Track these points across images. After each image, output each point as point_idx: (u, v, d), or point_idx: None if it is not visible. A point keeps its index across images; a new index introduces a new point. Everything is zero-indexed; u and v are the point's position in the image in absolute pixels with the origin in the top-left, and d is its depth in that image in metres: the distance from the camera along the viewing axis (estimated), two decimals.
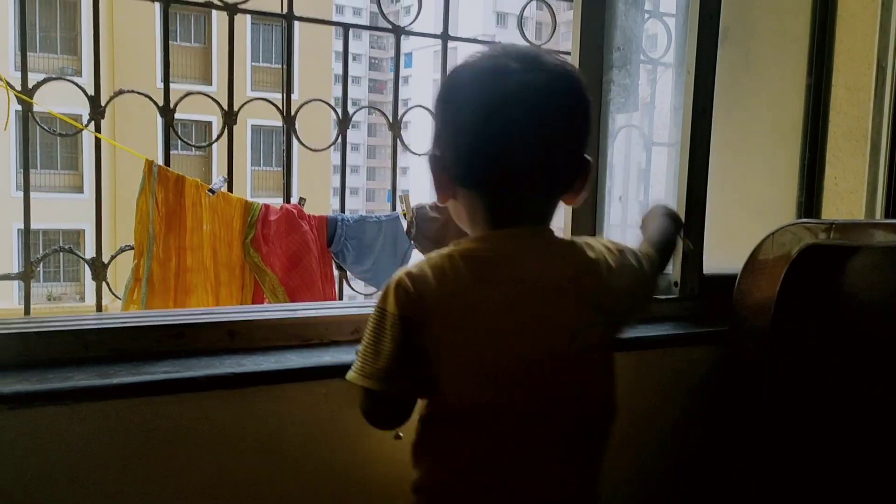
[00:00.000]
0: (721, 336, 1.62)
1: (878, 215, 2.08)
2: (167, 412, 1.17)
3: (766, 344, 1.40)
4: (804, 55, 2.16)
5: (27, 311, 1.82)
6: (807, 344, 1.38)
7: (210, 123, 16.54)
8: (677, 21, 2.09)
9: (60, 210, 14.32)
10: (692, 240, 1.82)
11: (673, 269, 1.84)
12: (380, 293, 1.02)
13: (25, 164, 1.83)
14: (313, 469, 1.29)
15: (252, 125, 15.92)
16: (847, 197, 2.14)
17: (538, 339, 0.99)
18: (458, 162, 1.03)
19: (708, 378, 1.63)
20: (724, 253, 2.06)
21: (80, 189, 14.65)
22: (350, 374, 1.01)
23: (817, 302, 1.40)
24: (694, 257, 1.83)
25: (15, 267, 15.31)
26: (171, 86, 2.04)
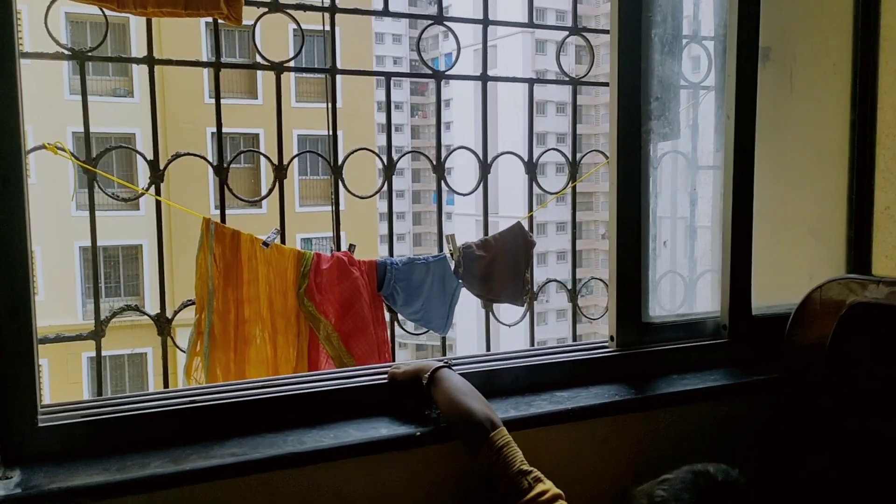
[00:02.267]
0: (770, 385, 1.62)
1: None
2: (236, 493, 1.24)
3: (816, 398, 1.40)
4: (848, 78, 2.13)
5: (100, 389, 1.92)
6: (858, 397, 1.38)
7: (258, 135, 16.88)
8: (716, 45, 2.09)
9: (118, 226, 14.81)
10: (740, 265, 1.82)
11: (721, 311, 1.85)
12: None
13: (93, 237, 1.94)
14: None
15: (298, 135, 16.20)
16: None
17: None
18: None
19: (756, 426, 1.64)
20: (775, 282, 2.05)
21: (136, 207, 15.15)
22: None
23: (869, 354, 1.40)
24: (742, 297, 1.84)
25: (78, 282, 15.87)
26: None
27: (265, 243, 2.19)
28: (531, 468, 1.32)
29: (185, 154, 2.12)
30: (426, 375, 1.44)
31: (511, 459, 1.31)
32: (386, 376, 1.52)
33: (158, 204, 2.09)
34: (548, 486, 1.30)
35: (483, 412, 1.36)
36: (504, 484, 1.30)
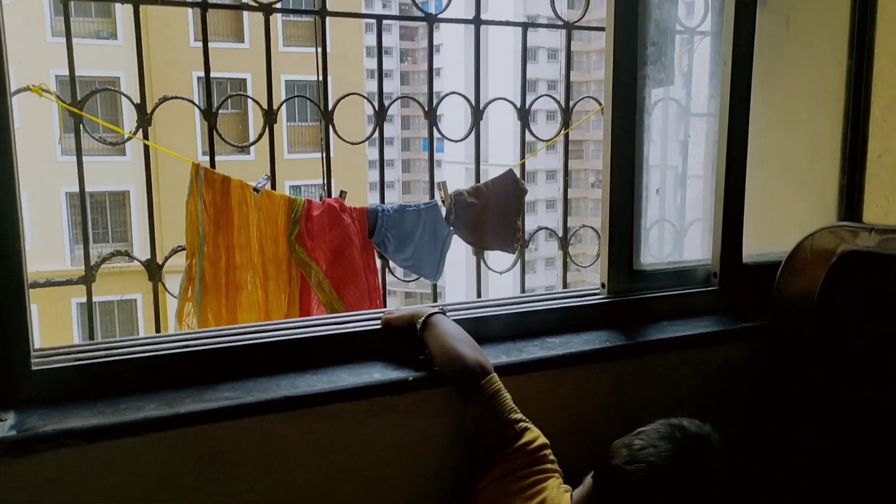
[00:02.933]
0: (761, 331, 1.64)
1: None
2: (230, 436, 1.26)
3: (805, 347, 1.42)
4: (846, 23, 2.10)
5: (91, 335, 1.91)
6: (847, 345, 1.40)
7: (245, 80, 16.58)
8: None
9: (104, 172, 14.64)
10: (732, 214, 1.82)
11: (712, 259, 1.86)
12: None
13: (80, 180, 1.91)
14: (366, 479, 1.38)
15: (286, 80, 15.92)
16: (891, 170, 2.11)
17: None
18: None
19: (747, 372, 1.66)
20: (766, 231, 2.06)
21: (122, 152, 14.95)
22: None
23: (859, 303, 1.42)
24: (733, 245, 1.85)
25: (65, 228, 15.74)
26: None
27: (256, 189, 2.17)
28: (520, 416, 1.33)
29: (172, 97, 2.08)
30: (420, 321, 1.44)
31: (500, 407, 1.33)
32: (379, 322, 1.53)
33: (146, 149, 2.06)
34: (534, 436, 1.32)
35: (474, 358, 1.37)
36: (492, 432, 1.32)
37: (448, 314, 1.52)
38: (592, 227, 2.40)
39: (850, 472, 1.36)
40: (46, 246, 14.90)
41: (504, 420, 1.32)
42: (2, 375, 1.23)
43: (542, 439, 1.32)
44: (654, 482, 1.16)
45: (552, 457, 1.32)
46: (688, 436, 1.18)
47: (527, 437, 1.31)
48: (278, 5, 2.12)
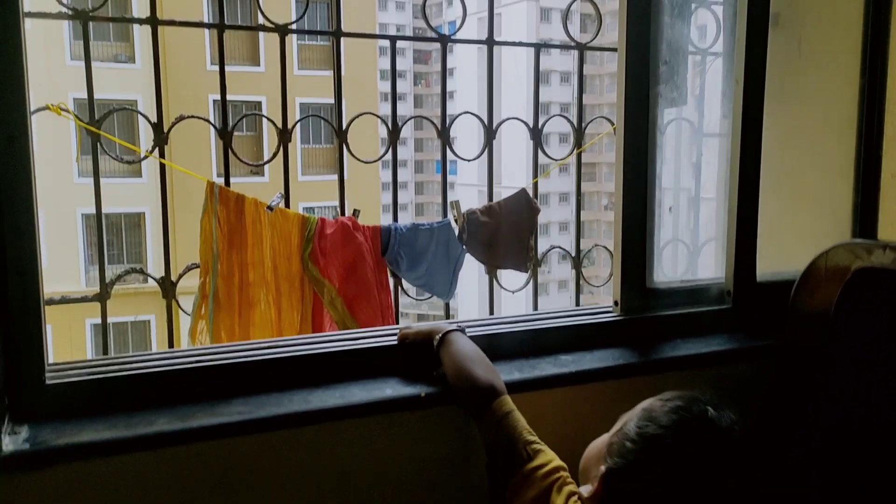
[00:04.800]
0: (774, 349, 1.63)
1: None
2: (242, 451, 1.26)
3: (820, 363, 1.41)
4: (858, 44, 2.10)
5: (105, 349, 1.92)
6: (862, 364, 1.38)
7: (260, 103, 16.78)
8: (725, 10, 2.06)
9: (120, 194, 14.83)
10: (745, 232, 1.82)
11: (725, 278, 1.85)
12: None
13: (97, 198, 1.94)
14: (379, 496, 1.37)
15: (301, 103, 16.11)
16: None
17: None
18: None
19: (759, 389, 1.64)
20: (780, 249, 2.05)
21: (138, 174, 15.15)
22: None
23: (874, 319, 1.41)
24: (747, 264, 1.84)
25: (81, 249, 15.88)
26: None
27: (269, 207, 2.19)
28: (533, 438, 1.30)
29: (189, 117, 2.11)
30: (438, 337, 1.44)
31: (512, 429, 1.30)
32: (394, 338, 1.53)
33: (162, 168, 2.08)
34: (548, 459, 1.27)
35: (486, 379, 1.35)
36: (503, 453, 1.28)
37: (467, 332, 1.51)
38: (605, 247, 2.40)
39: (864, 490, 1.34)
40: (62, 267, 15.04)
41: (516, 441, 1.29)
42: (17, 389, 1.24)
43: (557, 461, 1.28)
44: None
45: (570, 479, 1.27)
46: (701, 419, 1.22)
47: (540, 460, 1.27)
48: (294, 27, 2.15)
